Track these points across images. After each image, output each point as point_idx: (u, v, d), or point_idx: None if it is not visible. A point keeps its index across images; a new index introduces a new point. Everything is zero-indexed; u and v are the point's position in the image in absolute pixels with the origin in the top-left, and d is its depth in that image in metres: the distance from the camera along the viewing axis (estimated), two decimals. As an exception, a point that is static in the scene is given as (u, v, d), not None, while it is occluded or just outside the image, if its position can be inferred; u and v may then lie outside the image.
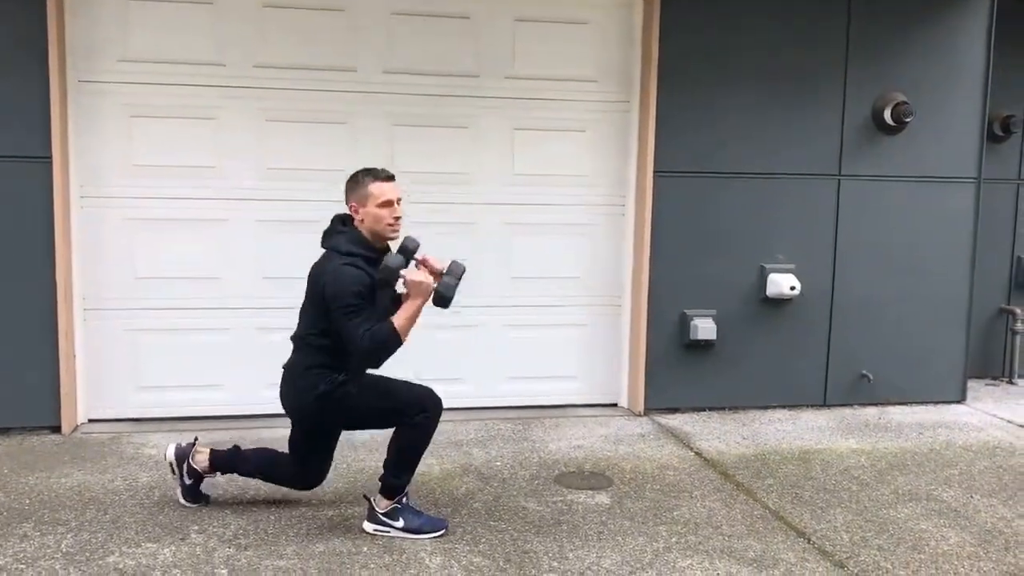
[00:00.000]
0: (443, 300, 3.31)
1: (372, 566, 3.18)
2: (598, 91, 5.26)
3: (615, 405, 5.48)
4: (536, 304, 5.35)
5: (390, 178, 3.35)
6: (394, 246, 3.42)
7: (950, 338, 5.66)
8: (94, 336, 4.85)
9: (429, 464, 4.28)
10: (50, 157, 4.51)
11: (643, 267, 5.23)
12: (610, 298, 5.44)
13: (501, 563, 3.23)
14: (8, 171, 4.52)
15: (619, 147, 5.33)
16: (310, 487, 3.65)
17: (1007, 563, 3.34)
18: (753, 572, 3.21)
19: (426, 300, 3.29)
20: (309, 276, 3.35)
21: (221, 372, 5.00)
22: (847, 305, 5.51)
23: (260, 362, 4.96)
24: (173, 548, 3.29)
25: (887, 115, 5.38)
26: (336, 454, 4.36)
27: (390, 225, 3.32)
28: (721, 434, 4.93)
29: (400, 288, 3.38)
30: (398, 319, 3.23)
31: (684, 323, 5.29)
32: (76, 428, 4.77)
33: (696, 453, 4.59)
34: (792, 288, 5.27)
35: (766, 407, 5.46)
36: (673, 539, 3.48)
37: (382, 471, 3.46)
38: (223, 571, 3.12)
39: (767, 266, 5.36)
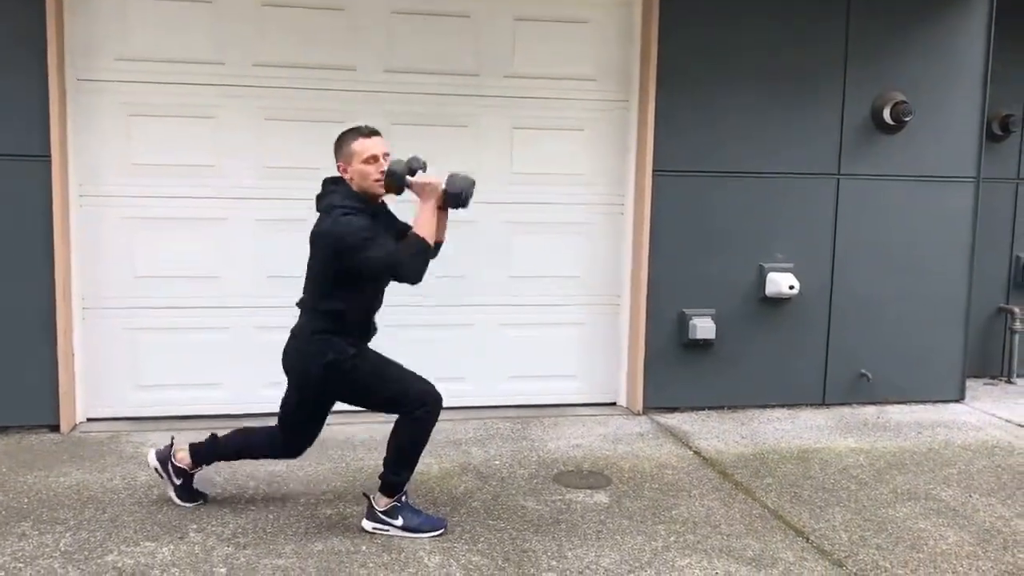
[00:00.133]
0: (453, 197, 3.29)
1: (371, 565, 3.18)
2: (597, 90, 5.26)
3: (614, 404, 5.49)
4: (535, 303, 5.35)
5: (373, 133, 3.35)
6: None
7: (949, 337, 5.67)
8: (93, 335, 4.85)
9: (428, 463, 4.28)
10: (49, 156, 4.51)
11: (642, 266, 5.23)
12: (609, 297, 5.44)
13: (500, 562, 3.23)
14: (7, 170, 4.51)
15: (618, 146, 5.33)
16: (295, 455, 3.61)
17: (1005, 562, 3.34)
18: (752, 571, 3.22)
19: (436, 202, 3.29)
20: (311, 239, 3.32)
21: (220, 371, 4.99)
22: (846, 304, 5.51)
23: (259, 361, 4.96)
24: (172, 547, 3.29)
25: (886, 114, 5.38)
26: (335, 453, 4.40)
27: (377, 180, 3.31)
28: (720, 433, 4.94)
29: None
30: (417, 226, 3.24)
31: (683, 322, 5.30)
32: (75, 427, 4.77)
33: (695, 452, 4.59)
34: (791, 287, 5.27)
35: (765, 406, 5.47)
36: (672, 538, 3.48)
37: (382, 469, 3.46)
38: (222, 570, 3.12)
39: (766, 265, 5.36)
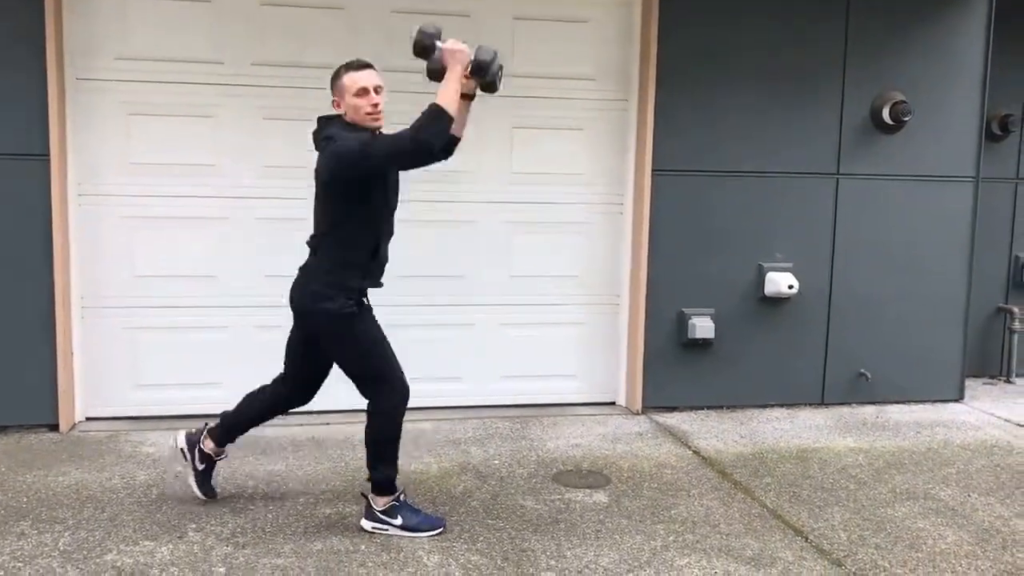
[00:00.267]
0: (481, 67, 3.21)
1: (370, 564, 3.18)
2: (597, 89, 5.26)
3: (613, 404, 5.49)
4: (534, 303, 5.35)
5: (364, 66, 3.31)
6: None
7: (948, 337, 5.67)
8: (92, 334, 4.85)
9: (427, 463, 4.28)
10: (48, 155, 4.50)
11: (641, 265, 5.23)
12: (608, 297, 5.44)
13: (499, 561, 3.23)
14: (6, 169, 4.51)
15: (618, 145, 5.33)
16: (306, 399, 3.59)
17: (1004, 562, 3.34)
18: (751, 570, 3.22)
19: (463, 72, 3.20)
20: (315, 173, 3.31)
21: (219, 370, 4.99)
22: (845, 304, 5.51)
23: (259, 360, 4.94)
24: (171, 546, 3.29)
25: (885, 114, 5.38)
26: (334, 453, 4.40)
27: (369, 114, 3.27)
28: (719, 433, 4.94)
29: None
30: (438, 95, 3.15)
31: (682, 322, 5.30)
32: (74, 426, 4.77)
33: (694, 452, 4.59)
34: (790, 287, 5.27)
35: (764, 406, 5.47)
36: (671, 538, 3.49)
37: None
38: (221, 569, 3.12)
39: (765, 265, 5.37)
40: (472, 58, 3.23)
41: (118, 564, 3.14)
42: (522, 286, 5.33)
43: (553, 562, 3.24)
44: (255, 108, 4.89)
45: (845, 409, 5.50)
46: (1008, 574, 3.25)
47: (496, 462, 4.35)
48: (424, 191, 5.04)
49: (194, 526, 3.47)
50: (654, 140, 5.13)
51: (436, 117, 3.12)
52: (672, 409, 5.34)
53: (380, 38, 4.98)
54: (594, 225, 5.37)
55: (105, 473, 4.06)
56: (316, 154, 3.40)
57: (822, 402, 5.56)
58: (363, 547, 3.32)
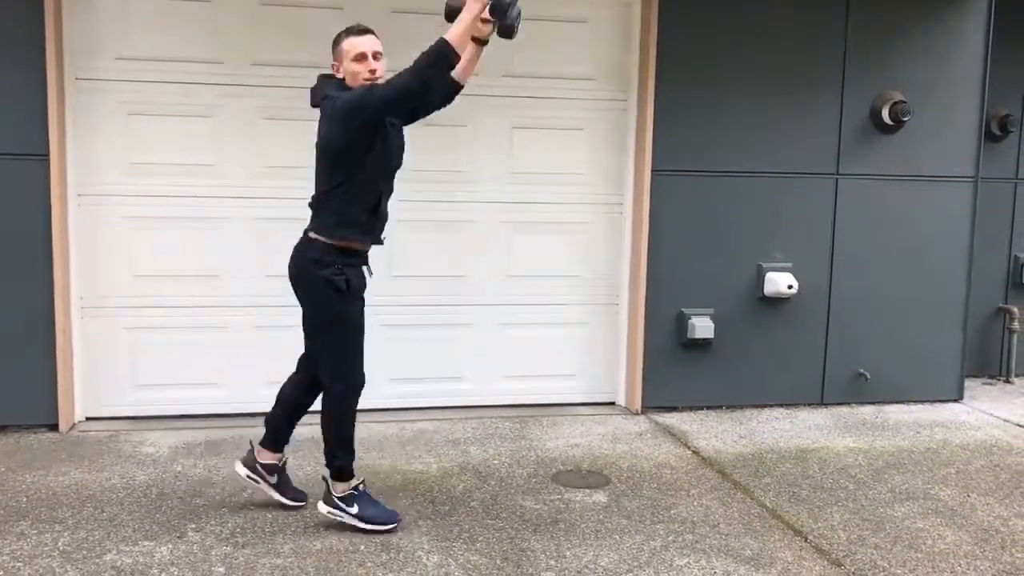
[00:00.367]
0: (500, 7, 3.14)
1: (369, 564, 3.18)
2: (596, 89, 5.26)
3: (613, 404, 5.49)
4: (534, 303, 5.35)
5: (364, 32, 3.31)
6: None
7: (947, 337, 5.67)
8: (92, 334, 4.85)
9: (427, 462, 4.28)
10: (47, 155, 4.50)
11: (641, 265, 5.23)
12: (608, 296, 5.44)
13: (498, 561, 3.23)
14: (5, 169, 4.51)
15: (617, 145, 5.33)
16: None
17: (1004, 562, 3.35)
18: (750, 570, 3.22)
19: (481, 9, 3.16)
20: (317, 132, 3.32)
21: (219, 370, 4.99)
22: (844, 304, 5.51)
23: (258, 360, 4.96)
24: (170, 546, 3.29)
25: (885, 114, 5.38)
26: (334, 452, 4.39)
27: (367, 79, 3.27)
28: (718, 432, 4.94)
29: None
30: (449, 31, 3.12)
31: (682, 322, 5.30)
32: (73, 426, 4.77)
33: (693, 452, 4.59)
34: (790, 287, 5.27)
35: (763, 406, 5.47)
36: (670, 537, 3.49)
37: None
38: (220, 569, 3.12)
39: (765, 265, 5.37)
40: None
41: (117, 564, 3.14)
42: (522, 286, 5.33)
43: (553, 562, 3.24)
44: (255, 108, 4.89)
45: (844, 409, 5.50)
46: (1007, 574, 3.25)
47: (496, 462, 4.35)
48: (424, 191, 5.04)
49: (193, 526, 3.47)
50: (654, 140, 5.13)
51: (441, 54, 3.09)
52: (672, 409, 5.34)
53: (380, 38, 4.96)
54: (594, 225, 5.37)
55: (105, 473, 4.06)
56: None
57: (821, 402, 5.56)
58: (362, 547, 3.32)
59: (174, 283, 4.91)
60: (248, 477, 3.64)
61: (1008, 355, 6.44)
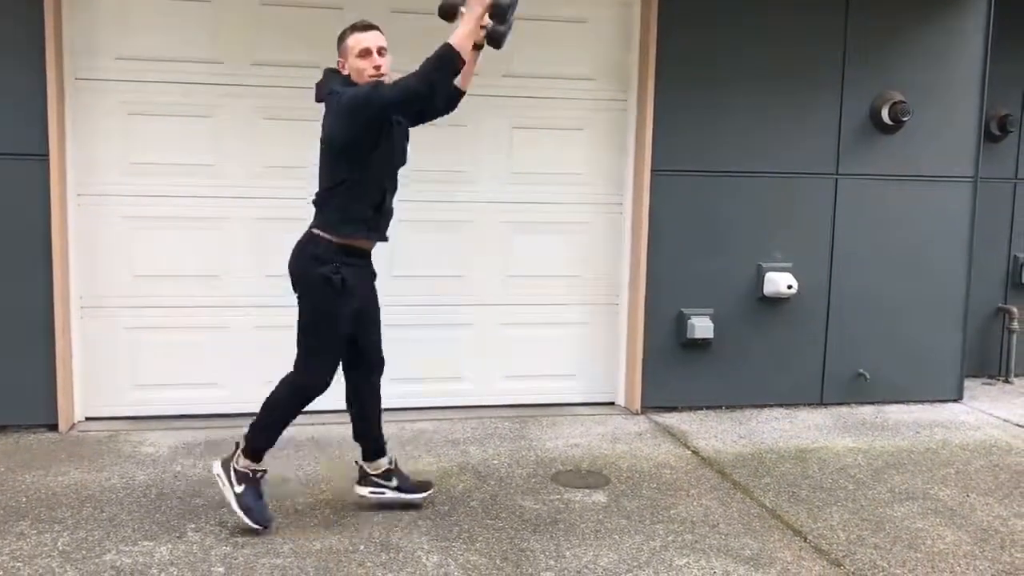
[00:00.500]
0: (500, 10, 3.13)
1: (368, 564, 3.18)
2: (596, 89, 5.27)
3: (612, 403, 5.49)
4: (534, 303, 5.35)
5: (368, 27, 3.30)
6: None
7: (947, 337, 5.67)
8: (91, 334, 4.85)
9: (427, 462, 4.28)
10: (47, 155, 4.50)
11: (640, 265, 5.23)
12: (608, 296, 5.44)
13: (498, 561, 3.23)
14: (5, 169, 4.51)
15: (617, 145, 5.33)
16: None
17: (1003, 561, 3.35)
18: (750, 570, 3.22)
19: (483, 14, 3.16)
20: (322, 127, 3.32)
21: (219, 370, 4.99)
22: (844, 304, 5.51)
23: (258, 360, 4.96)
24: (170, 546, 3.29)
25: (885, 114, 5.38)
26: (334, 453, 4.40)
27: (372, 75, 3.27)
28: (718, 432, 4.94)
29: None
30: (453, 36, 3.12)
31: (681, 321, 5.30)
32: (73, 426, 4.77)
33: (693, 451, 4.59)
34: (789, 287, 5.27)
35: (763, 406, 5.47)
36: (670, 537, 3.49)
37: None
38: (220, 569, 3.12)
39: (764, 265, 5.37)
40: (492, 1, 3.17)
41: (117, 564, 3.14)
42: (522, 286, 5.33)
43: (552, 562, 3.24)
44: (255, 108, 4.89)
45: (844, 409, 5.51)
46: (1007, 574, 3.25)
47: (495, 462, 4.35)
48: (424, 191, 5.04)
49: (193, 526, 3.48)
50: (653, 140, 5.13)
51: (446, 58, 3.10)
52: (671, 409, 5.34)
53: (379, 38, 4.97)
54: (594, 225, 5.37)
55: (104, 473, 4.06)
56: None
57: (821, 402, 5.56)
58: (362, 547, 3.33)
59: (174, 283, 4.91)
60: (372, 493, 3.65)
61: (1007, 355, 6.44)
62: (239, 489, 3.37)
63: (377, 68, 3.27)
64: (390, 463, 3.68)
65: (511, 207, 5.24)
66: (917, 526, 3.67)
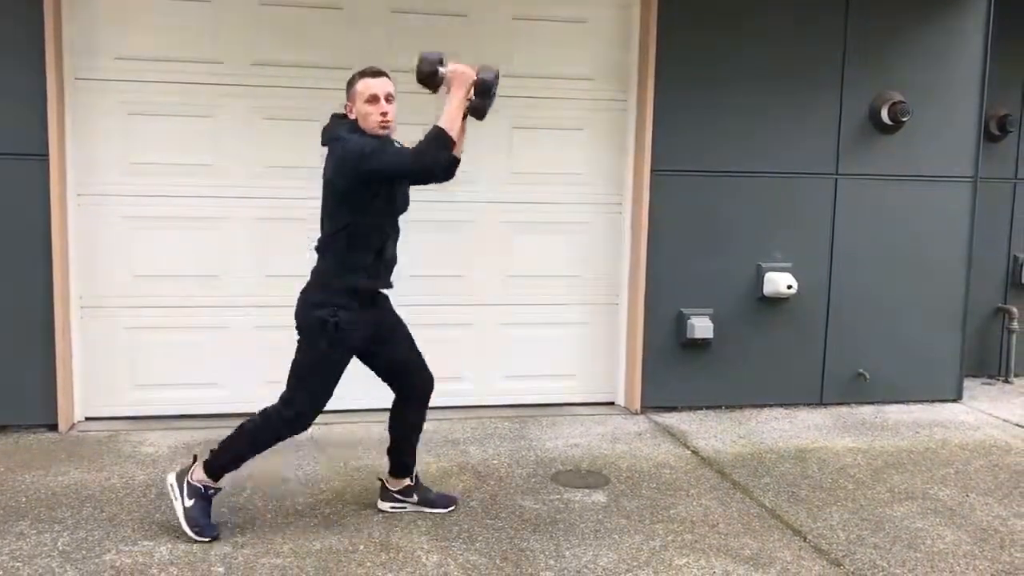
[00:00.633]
0: (484, 87, 3.19)
1: (368, 564, 3.19)
2: (596, 89, 5.27)
3: (612, 403, 5.49)
4: (534, 303, 5.35)
5: (378, 74, 3.31)
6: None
7: (947, 337, 5.67)
8: (91, 334, 4.85)
9: (426, 462, 4.28)
10: (47, 155, 4.50)
11: (640, 265, 5.23)
12: (608, 296, 5.44)
13: (498, 561, 3.24)
14: (5, 169, 4.51)
15: (617, 145, 5.33)
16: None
17: (1003, 561, 3.35)
18: (749, 570, 3.22)
19: (467, 92, 3.21)
20: (324, 172, 3.32)
21: (219, 370, 5.00)
22: (844, 304, 5.52)
23: (258, 360, 4.96)
24: (170, 546, 3.29)
25: (884, 114, 5.39)
26: (334, 452, 4.40)
27: (378, 122, 3.27)
28: (718, 432, 4.94)
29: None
30: (442, 116, 3.17)
31: (681, 321, 5.30)
32: (73, 426, 4.77)
33: (693, 451, 4.60)
34: (789, 287, 5.27)
35: (763, 406, 5.47)
36: (669, 537, 3.49)
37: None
38: (219, 569, 3.12)
39: (764, 265, 5.37)
40: (477, 77, 3.22)
41: (117, 564, 3.14)
42: (521, 286, 5.33)
43: (552, 562, 3.24)
44: (254, 108, 4.89)
45: (844, 409, 5.51)
46: (1006, 574, 3.26)
47: (495, 462, 4.35)
48: (424, 191, 5.01)
49: (193, 526, 3.47)
50: (653, 140, 5.14)
51: (439, 139, 3.15)
52: (671, 409, 5.35)
53: (380, 37, 4.98)
54: (593, 225, 5.37)
55: (104, 473, 4.06)
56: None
57: (821, 402, 5.56)
58: (361, 547, 3.33)
59: (174, 283, 4.91)
60: (392, 508, 3.66)
61: (1007, 355, 6.44)
62: (188, 503, 3.35)
63: (384, 115, 3.28)
64: (411, 480, 3.68)
65: (511, 207, 5.25)
66: (917, 526, 3.67)
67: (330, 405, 3.72)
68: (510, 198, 5.24)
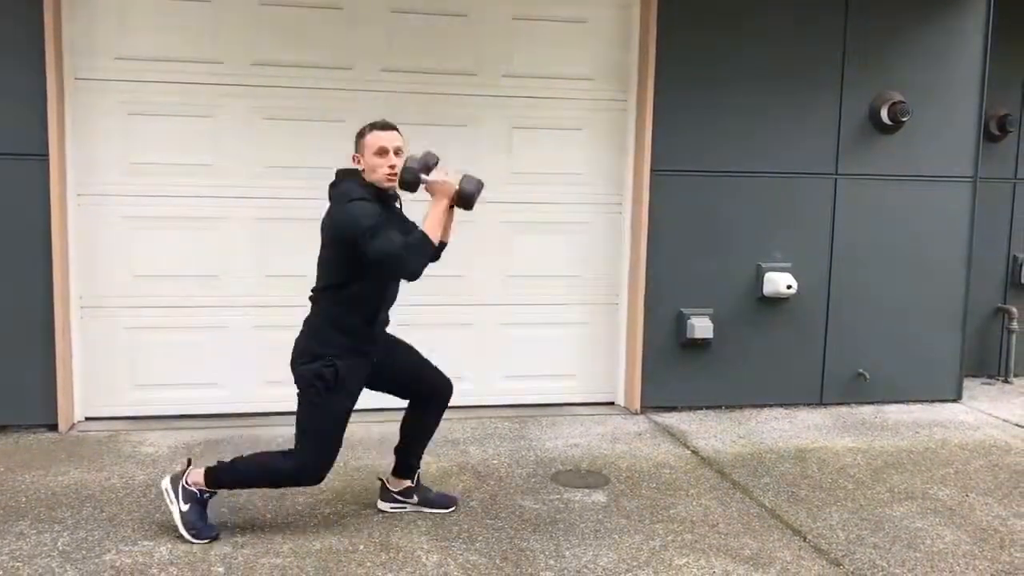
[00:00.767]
0: (466, 197, 3.27)
1: (368, 564, 3.19)
2: (596, 89, 5.27)
3: (612, 403, 5.49)
4: (534, 302, 5.36)
5: (387, 127, 3.34)
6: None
7: (946, 337, 5.68)
8: (91, 334, 4.85)
9: (426, 462, 4.28)
10: (47, 155, 4.50)
11: (640, 265, 5.23)
12: (607, 296, 5.45)
13: (498, 561, 3.24)
14: (5, 169, 4.51)
15: (617, 145, 5.34)
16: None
17: (1002, 561, 3.35)
18: (749, 570, 3.22)
19: (449, 202, 3.27)
20: (322, 227, 3.33)
21: (219, 370, 5.00)
22: (843, 304, 5.52)
23: (258, 360, 4.97)
24: (170, 546, 3.29)
25: (884, 114, 5.39)
26: (333, 452, 4.39)
27: (386, 175, 3.30)
28: (717, 432, 4.94)
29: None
30: (425, 224, 3.24)
31: (681, 321, 5.30)
32: (73, 426, 4.77)
33: (692, 451, 4.60)
34: (788, 287, 5.27)
35: (762, 406, 5.47)
36: (669, 537, 3.49)
37: (224, 460, 3.43)
38: (219, 569, 3.13)
39: (764, 265, 5.37)
40: (457, 188, 3.28)
41: (117, 564, 3.14)
42: (521, 286, 5.33)
43: (552, 562, 3.24)
44: (254, 108, 4.89)
45: (843, 409, 5.51)
46: (1006, 573, 3.26)
47: (495, 462, 4.35)
48: (423, 191, 5.03)
49: (193, 526, 3.47)
50: (653, 140, 5.14)
51: (424, 247, 3.22)
52: (671, 409, 5.35)
53: (380, 37, 4.98)
54: (593, 225, 5.37)
55: (104, 473, 4.06)
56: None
57: (820, 402, 5.56)
58: (361, 547, 3.33)
59: (174, 283, 4.91)
60: (391, 509, 3.67)
61: (1007, 355, 6.45)
62: (184, 507, 3.35)
63: (392, 167, 3.30)
64: (412, 482, 3.68)
65: (511, 207, 5.25)
66: (916, 526, 3.67)
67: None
68: (510, 198, 5.24)
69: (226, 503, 3.70)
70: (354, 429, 4.75)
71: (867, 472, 4.33)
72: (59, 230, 4.59)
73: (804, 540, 3.50)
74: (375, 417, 4.91)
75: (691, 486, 4.08)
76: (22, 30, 4.45)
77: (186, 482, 3.36)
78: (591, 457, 4.46)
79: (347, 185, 3.32)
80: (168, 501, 3.38)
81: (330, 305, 3.33)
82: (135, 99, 4.76)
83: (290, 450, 3.37)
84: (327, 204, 3.40)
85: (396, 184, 3.33)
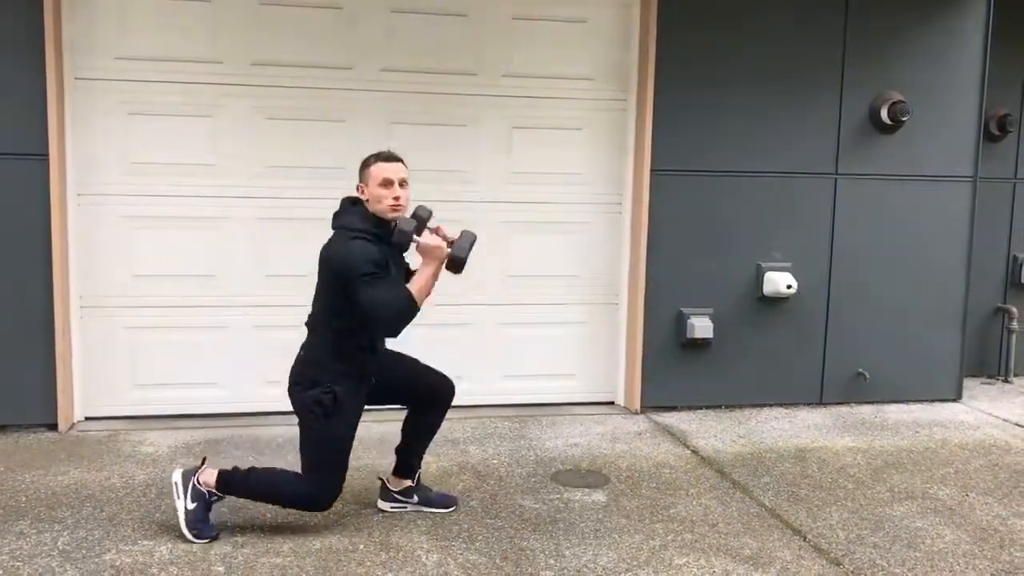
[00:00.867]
0: (457, 263, 3.29)
1: (368, 563, 3.19)
2: (596, 89, 5.27)
3: (612, 403, 5.49)
4: (534, 302, 5.36)
5: (392, 159, 3.35)
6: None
7: (946, 337, 5.68)
8: (91, 333, 4.85)
9: (426, 461, 4.27)
10: (47, 154, 4.50)
11: (640, 265, 5.23)
12: (607, 296, 5.45)
13: (498, 561, 3.24)
14: (5, 168, 4.51)
15: (617, 145, 5.34)
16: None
17: (1002, 561, 3.35)
18: (749, 570, 3.22)
19: (440, 265, 3.30)
20: (320, 258, 3.34)
21: (219, 370, 5.00)
22: (843, 303, 5.52)
23: (258, 360, 4.96)
24: (170, 545, 3.29)
25: (884, 114, 5.39)
26: (333, 452, 4.39)
27: (390, 206, 3.31)
28: (717, 432, 4.94)
29: (411, 260, 3.35)
30: (413, 285, 3.25)
31: (681, 321, 5.30)
32: (73, 426, 4.77)
33: (692, 451, 4.60)
34: (788, 286, 5.27)
35: (762, 405, 5.47)
36: (669, 537, 3.49)
37: (241, 468, 3.44)
38: (220, 568, 3.13)
39: (764, 264, 5.37)
40: (448, 252, 3.29)
41: (117, 563, 3.14)
42: (521, 286, 5.33)
43: (552, 561, 3.24)
44: (254, 108, 4.89)
45: (843, 409, 5.51)
46: (1006, 573, 3.26)
47: (495, 461, 4.35)
48: (424, 191, 5.02)
49: (193, 525, 3.47)
50: (653, 140, 5.14)
51: (406, 311, 3.23)
52: (671, 408, 5.35)
53: (380, 37, 4.98)
54: (593, 225, 5.37)
55: (104, 472, 4.06)
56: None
57: (820, 402, 5.56)
58: (361, 546, 3.33)
59: (174, 283, 4.91)
60: (390, 508, 3.68)
61: (1007, 355, 6.45)
62: (191, 506, 3.35)
63: (396, 199, 3.31)
64: (412, 481, 3.68)
65: (511, 207, 5.25)
66: (916, 525, 3.67)
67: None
68: (510, 198, 5.24)
69: (226, 502, 3.69)
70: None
71: (867, 472, 4.33)
72: (59, 230, 4.59)
73: (804, 540, 3.50)
74: (375, 417, 4.90)
75: (691, 486, 4.08)
76: (22, 30, 4.45)
77: (197, 481, 3.37)
78: (591, 457, 4.46)
79: (350, 217, 3.33)
80: (175, 495, 3.37)
81: (329, 333, 3.34)
82: (135, 99, 4.76)
83: (303, 477, 3.39)
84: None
85: (401, 214, 3.33)
